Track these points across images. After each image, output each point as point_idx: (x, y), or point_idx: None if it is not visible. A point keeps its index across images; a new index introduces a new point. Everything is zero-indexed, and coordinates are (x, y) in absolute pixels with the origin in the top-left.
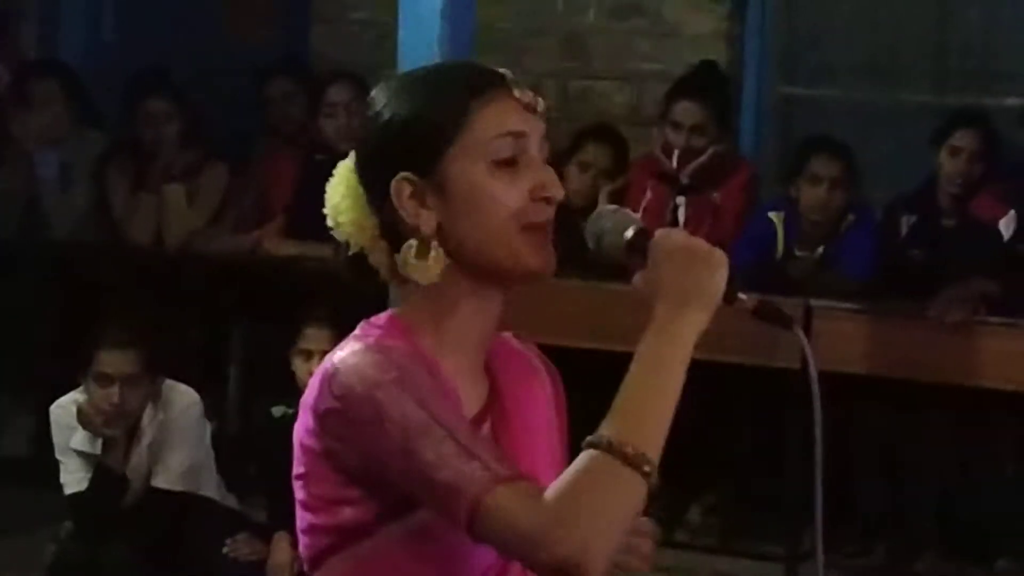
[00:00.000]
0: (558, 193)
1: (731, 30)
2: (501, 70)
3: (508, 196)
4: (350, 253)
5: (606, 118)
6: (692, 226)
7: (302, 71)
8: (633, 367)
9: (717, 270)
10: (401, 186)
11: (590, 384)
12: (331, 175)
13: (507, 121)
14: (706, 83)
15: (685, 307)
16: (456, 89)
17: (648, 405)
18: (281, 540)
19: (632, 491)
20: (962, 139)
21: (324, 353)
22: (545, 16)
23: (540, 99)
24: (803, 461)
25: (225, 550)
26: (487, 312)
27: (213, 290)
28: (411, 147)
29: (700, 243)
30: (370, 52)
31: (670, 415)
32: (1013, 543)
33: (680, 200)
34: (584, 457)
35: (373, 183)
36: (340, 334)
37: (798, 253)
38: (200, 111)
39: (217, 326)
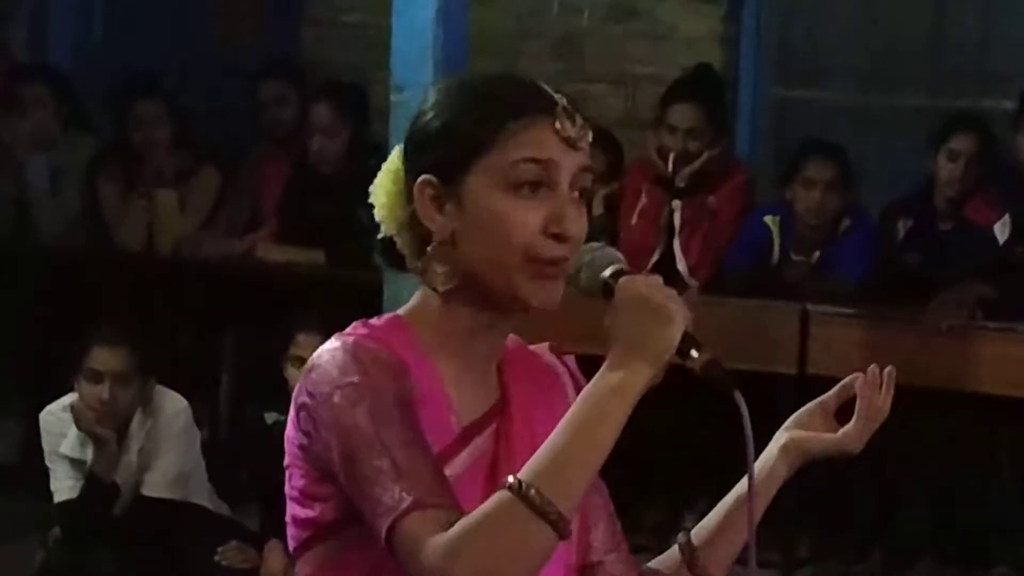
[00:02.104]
0: (572, 230)
1: (726, 33)
2: (558, 96)
3: (517, 223)
4: (380, 236)
5: (601, 122)
6: (688, 230)
7: (294, 74)
8: (572, 409)
9: (668, 324)
10: (423, 188)
11: None
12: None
13: (537, 149)
14: (701, 86)
15: (631, 357)
16: (497, 106)
17: (572, 452)
18: (274, 548)
19: (532, 536)
20: (960, 143)
21: None
22: (539, 19)
23: (587, 133)
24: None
25: (216, 558)
26: (494, 328)
27: (205, 296)
28: (440, 153)
29: (658, 295)
30: (362, 55)
31: (596, 463)
32: (1010, 549)
33: (676, 204)
34: (494, 497)
35: (408, 176)
36: None
37: (794, 257)
38: (191, 115)
39: (209, 332)
